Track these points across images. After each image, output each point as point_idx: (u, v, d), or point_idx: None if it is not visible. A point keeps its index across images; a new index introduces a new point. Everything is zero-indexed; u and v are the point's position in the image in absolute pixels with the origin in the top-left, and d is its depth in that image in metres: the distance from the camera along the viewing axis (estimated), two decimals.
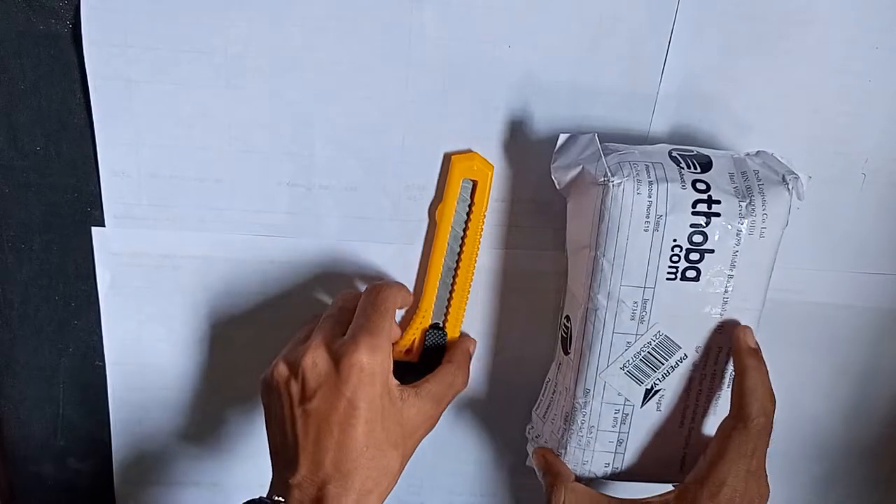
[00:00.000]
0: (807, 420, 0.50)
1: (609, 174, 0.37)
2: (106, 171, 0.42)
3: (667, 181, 0.37)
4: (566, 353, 0.42)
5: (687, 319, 0.39)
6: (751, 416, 0.38)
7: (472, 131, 0.42)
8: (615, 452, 0.41)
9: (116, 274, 0.45)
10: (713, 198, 0.37)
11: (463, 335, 0.46)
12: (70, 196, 0.43)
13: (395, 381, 0.39)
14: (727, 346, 0.39)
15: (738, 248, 0.37)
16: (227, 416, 0.49)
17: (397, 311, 0.43)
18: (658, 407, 0.40)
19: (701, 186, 0.37)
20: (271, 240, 0.44)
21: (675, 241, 0.37)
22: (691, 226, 0.37)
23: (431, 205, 0.44)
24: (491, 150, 0.43)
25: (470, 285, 0.44)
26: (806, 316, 0.48)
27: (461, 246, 0.43)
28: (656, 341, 0.39)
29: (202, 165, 0.42)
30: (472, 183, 0.42)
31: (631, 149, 0.39)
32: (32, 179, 0.42)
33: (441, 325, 0.45)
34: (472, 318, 0.46)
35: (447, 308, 0.45)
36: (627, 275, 0.38)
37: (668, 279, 0.38)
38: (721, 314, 0.39)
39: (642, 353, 0.39)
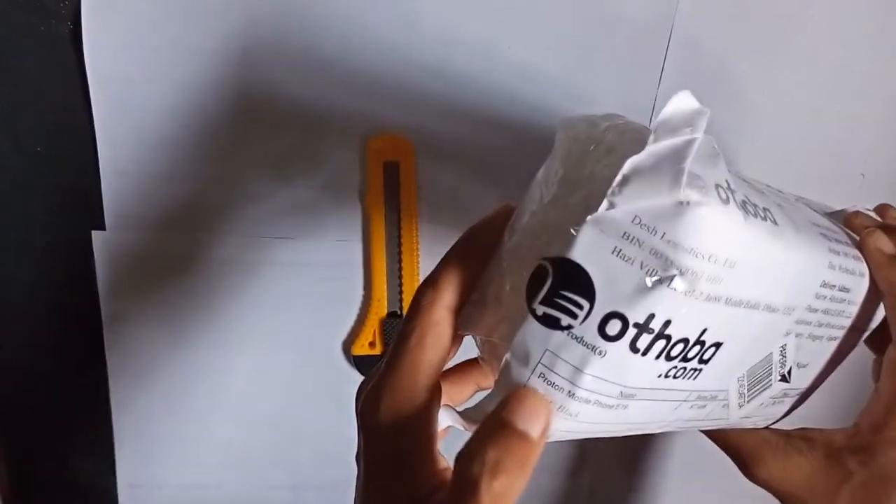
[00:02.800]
0: (807, 421, 0.50)
1: None
2: (106, 172, 0.42)
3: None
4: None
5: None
6: None
7: (471, 132, 0.42)
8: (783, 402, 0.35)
9: (116, 276, 0.44)
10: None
11: None
12: (70, 196, 0.43)
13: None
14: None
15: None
16: (228, 418, 0.49)
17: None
18: (790, 377, 0.33)
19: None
20: (272, 241, 0.44)
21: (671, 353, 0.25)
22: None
23: (360, 194, 0.43)
24: (487, 149, 0.43)
25: (418, 267, 0.44)
26: None
27: (399, 230, 0.43)
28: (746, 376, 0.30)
29: (202, 166, 0.42)
30: (394, 165, 0.42)
31: None
32: (33, 179, 0.42)
33: (398, 312, 0.45)
34: None
35: (400, 295, 0.44)
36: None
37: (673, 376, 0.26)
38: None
39: (745, 387, 0.31)
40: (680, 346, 0.25)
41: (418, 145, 0.42)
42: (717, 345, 0.26)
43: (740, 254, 0.24)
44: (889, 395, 0.32)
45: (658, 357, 0.24)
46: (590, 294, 0.23)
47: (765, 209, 0.26)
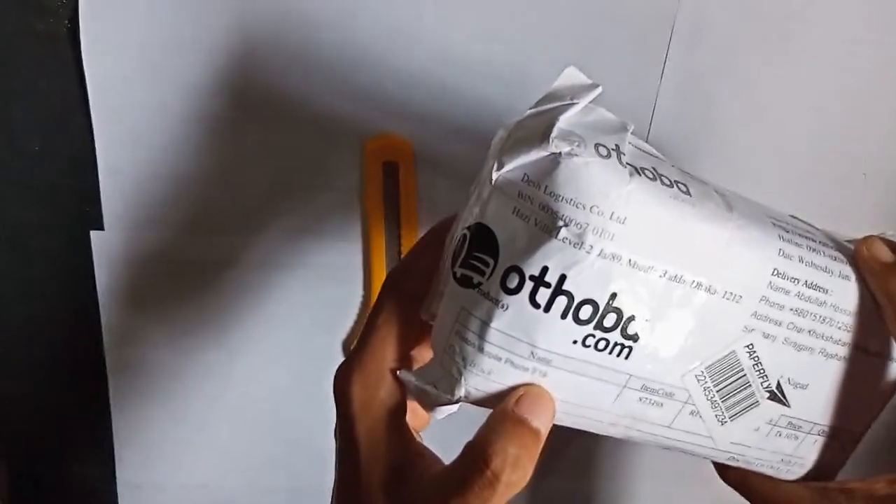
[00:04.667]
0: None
1: None
2: (104, 172, 0.42)
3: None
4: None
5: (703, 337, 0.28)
6: None
7: (470, 131, 0.42)
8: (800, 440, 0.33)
9: (115, 276, 0.44)
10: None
11: None
12: (68, 196, 0.43)
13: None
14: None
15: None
16: (227, 420, 0.49)
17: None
18: (785, 397, 0.31)
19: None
20: (271, 241, 0.44)
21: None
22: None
23: (359, 194, 0.43)
24: (487, 149, 0.42)
25: None
26: None
27: (399, 231, 0.43)
28: (716, 376, 0.29)
29: (201, 166, 0.42)
30: (393, 165, 0.42)
31: None
32: (30, 179, 0.42)
33: None
34: None
35: None
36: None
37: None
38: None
39: (715, 394, 0.29)
40: (588, 309, 0.25)
41: (417, 146, 0.42)
42: (641, 318, 0.26)
43: (630, 210, 0.25)
44: None
45: (565, 317, 0.25)
46: (494, 252, 0.25)
47: (677, 181, 0.26)
